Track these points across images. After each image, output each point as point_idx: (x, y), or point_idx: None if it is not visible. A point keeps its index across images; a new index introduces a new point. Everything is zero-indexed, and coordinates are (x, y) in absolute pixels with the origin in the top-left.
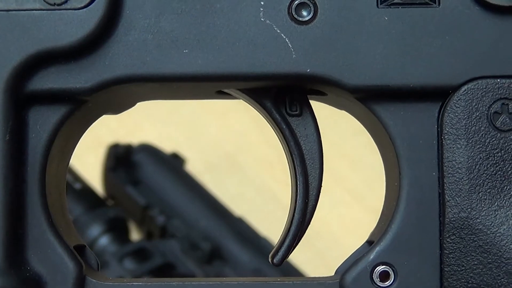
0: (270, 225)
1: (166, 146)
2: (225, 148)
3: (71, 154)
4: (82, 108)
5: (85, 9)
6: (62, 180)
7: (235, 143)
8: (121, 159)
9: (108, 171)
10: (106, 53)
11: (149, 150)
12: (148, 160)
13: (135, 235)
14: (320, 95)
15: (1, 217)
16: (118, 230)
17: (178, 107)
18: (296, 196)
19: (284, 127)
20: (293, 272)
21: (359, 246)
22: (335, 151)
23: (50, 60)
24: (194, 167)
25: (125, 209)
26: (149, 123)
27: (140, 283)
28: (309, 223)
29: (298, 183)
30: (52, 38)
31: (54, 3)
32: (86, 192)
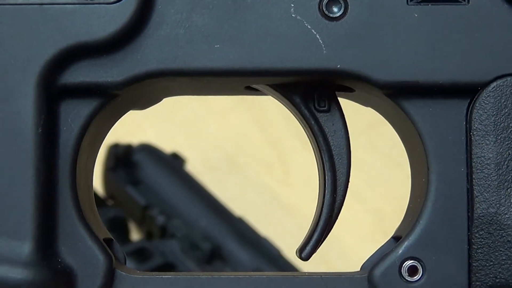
0: (270, 225)
1: (166, 146)
2: (225, 148)
3: (99, 148)
4: (112, 102)
5: (117, 4)
6: (90, 174)
7: (235, 143)
8: (121, 159)
9: (108, 171)
10: (138, 47)
11: (149, 150)
12: (148, 160)
13: (135, 235)
14: (348, 92)
15: (33, 209)
16: (118, 230)
17: (178, 107)
18: (324, 191)
19: (313, 122)
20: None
21: (384, 242)
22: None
23: (83, 54)
24: (194, 167)
25: (125, 209)
26: (149, 123)
27: (169, 276)
28: (336, 218)
29: (326, 178)
30: (85, 32)
31: None
32: None
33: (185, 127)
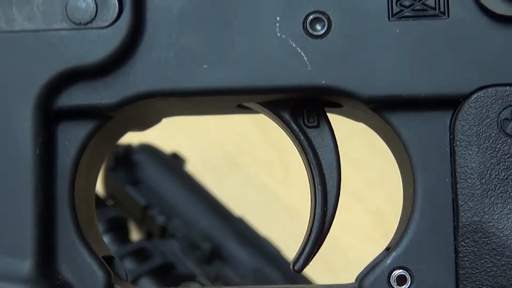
0: (270, 225)
1: (166, 146)
2: (225, 148)
3: (99, 170)
4: (108, 124)
5: (109, 28)
6: (90, 194)
7: (235, 143)
8: (121, 159)
9: (108, 171)
10: (130, 70)
11: (149, 150)
12: (148, 160)
13: (135, 235)
14: (337, 107)
15: (32, 227)
16: (118, 230)
17: None
18: (315, 205)
19: (302, 138)
20: (294, 272)
21: (378, 254)
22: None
23: (77, 77)
24: (194, 167)
25: (125, 209)
26: None
27: None
28: (328, 231)
29: (317, 192)
30: (79, 56)
31: (80, 23)
32: None
33: (185, 127)
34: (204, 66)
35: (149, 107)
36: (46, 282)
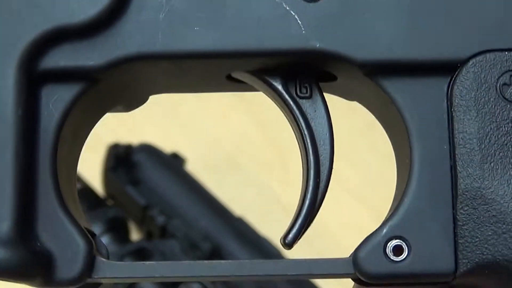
0: (270, 225)
1: (166, 146)
2: (225, 148)
3: (83, 142)
4: (94, 89)
5: None
6: (72, 168)
7: (235, 143)
8: (121, 159)
9: (108, 171)
10: (118, 31)
11: (149, 150)
12: (148, 160)
13: (135, 235)
14: (331, 81)
15: (11, 189)
16: (118, 230)
17: (177, 107)
18: (307, 176)
19: (294, 108)
20: None
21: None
22: (335, 151)
23: (64, 37)
24: (194, 167)
25: (125, 209)
26: (149, 123)
27: (152, 263)
28: (320, 204)
29: (309, 162)
30: (66, 15)
31: None
32: (86, 192)
33: (185, 127)
34: (196, 28)
35: (137, 74)
36: (24, 245)
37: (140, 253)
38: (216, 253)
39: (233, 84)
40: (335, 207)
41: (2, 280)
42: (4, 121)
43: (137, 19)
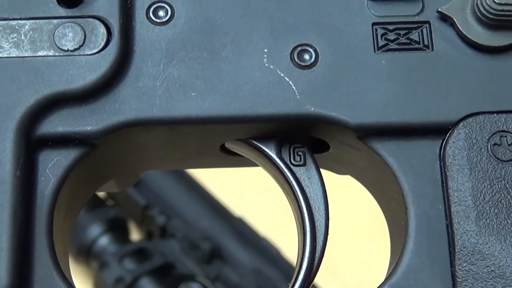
0: (270, 225)
1: None
2: None
3: (76, 216)
4: (91, 156)
5: (97, 55)
6: (66, 235)
7: None
8: None
9: None
10: (116, 97)
11: None
12: None
13: (135, 235)
14: (323, 152)
15: (7, 248)
16: (118, 230)
17: None
18: (303, 241)
19: (289, 175)
20: (294, 272)
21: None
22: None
23: (62, 102)
24: None
25: (125, 209)
26: None
27: None
28: (318, 268)
29: (305, 228)
30: (65, 81)
31: (68, 49)
32: None
33: None
34: (192, 94)
35: (133, 142)
36: None
37: (140, 253)
38: (216, 253)
39: (227, 157)
40: (335, 208)
41: None
42: (2, 182)
43: (135, 86)
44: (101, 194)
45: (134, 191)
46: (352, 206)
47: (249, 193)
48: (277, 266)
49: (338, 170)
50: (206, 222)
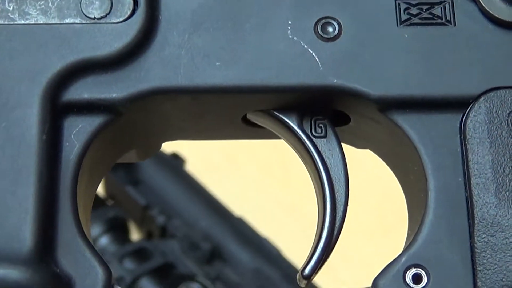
0: (270, 225)
1: (166, 146)
2: (225, 148)
3: (100, 179)
4: (115, 123)
5: (123, 23)
6: (88, 203)
7: (235, 143)
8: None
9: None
10: (142, 65)
11: None
12: (148, 160)
13: (135, 235)
14: (343, 125)
15: (33, 210)
16: (118, 230)
17: None
18: (324, 211)
19: (310, 146)
20: (294, 272)
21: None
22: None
23: (88, 69)
24: (194, 167)
25: (125, 209)
26: None
27: None
28: (337, 239)
29: (326, 198)
30: (91, 48)
31: (94, 17)
32: None
33: None
34: (216, 63)
35: (157, 110)
36: (44, 268)
37: (140, 253)
38: (216, 253)
39: (248, 129)
40: None
41: None
42: (29, 145)
43: (160, 54)
44: (101, 194)
45: (134, 191)
46: (352, 206)
47: (249, 193)
48: (277, 266)
49: (357, 144)
50: (206, 222)
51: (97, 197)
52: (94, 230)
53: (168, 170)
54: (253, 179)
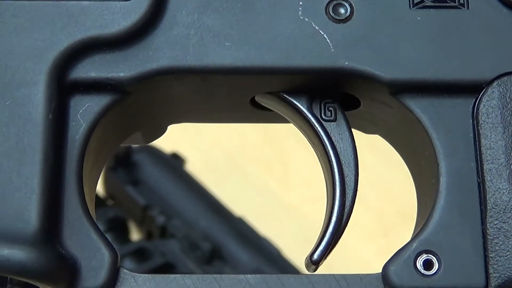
0: (270, 225)
1: (166, 146)
2: (225, 148)
3: (105, 161)
4: (122, 103)
5: (131, 1)
6: (94, 184)
7: (235, 143)
8: (121, 159)
9: (108, 171)
10: (150, 44)
11: (149, 150)
12: (148, 160)
13: (135, 235)
14: (353, 109)
15: (38, 190)
16: (118, 230)
17: None
18: (333, 195)
19: (320, 129)
20: (294, 272)
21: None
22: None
23: (96, 48)
24: (194, 167)
25: (125, 209)
26: None
27: (178, 276)
28: (347, 223)
29: (335, 182)
30: (99, 26)
31: None
32: None
33: (185, 127)
34: (226, 44)
35: (164, 91)
36: (50, 248)
37: (140, 253)
38: (216, 253)
39: (256, 111)
40: None
41: (28, 281)
42: (34, 124)
43: (169, 34)
44: (101, 194)
45: (134, 191)
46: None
47: (249, 193)
48: (277, 266)
49: (367, 128)
50: (206, 222)
51: (97, 197)
52: None
53: (168, 170)
54: (253, 179)
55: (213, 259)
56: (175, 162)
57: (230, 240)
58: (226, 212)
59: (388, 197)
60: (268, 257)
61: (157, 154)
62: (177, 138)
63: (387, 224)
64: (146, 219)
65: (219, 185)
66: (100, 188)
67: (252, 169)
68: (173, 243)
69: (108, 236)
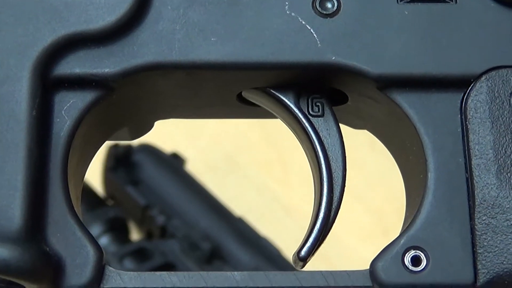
0: (270, 225)
1: (166, 146)
2: (225, 148)
3: (91, 157)
4: (107, 99)
5: None
6: (79, 176)
7: (235, 143)
8: (121, 159)
9: (108, 171)
10: (135, 40)
11: (149, 150)
12: (148, 160)
13: (135, 235)
14: (340, 104)
15: (22, 187)
16: (118, 230)
17: None
18: (320, 191)
19: (307, 125)
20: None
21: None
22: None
23: (80, 43)
24: (194, 167)
25: (125, 209)
26: None
27: (164, 273)
28: (334, 219)
29: (323, 178)
30: (83, 22)
31: None
32: (86, 192)
33: (185, 127)
34: (212, 39)
35: (150, 87)
36: (34, 246)
37: (140, 253)
38: (216, 253)
39: (243, 107)
40: None
41: (11, 279)
42: (18, 121)
43: (154, 29)
44: (101, 194)
45: (134, 191)
46: (352, 205)
47: (249, 193)
48: (277, 266)
49: (354, 124)
50: (206, 222)
51: (97, 197)
52: (94, 230)
53: (168, 170)
54: (253, 179)
55: (213, 259)
56: (175, 162)
57: (230, 240)
58: (226, 212)
59: (388, 197)
60: (268, 257)
61: (157, 154)
62: (177, 138)
63: (387, 224)
64: (146, 219)
65: (219, 185)
66: (100, 188)
67: (252, 169)
68: (173, 243)
69: (108, 236)
